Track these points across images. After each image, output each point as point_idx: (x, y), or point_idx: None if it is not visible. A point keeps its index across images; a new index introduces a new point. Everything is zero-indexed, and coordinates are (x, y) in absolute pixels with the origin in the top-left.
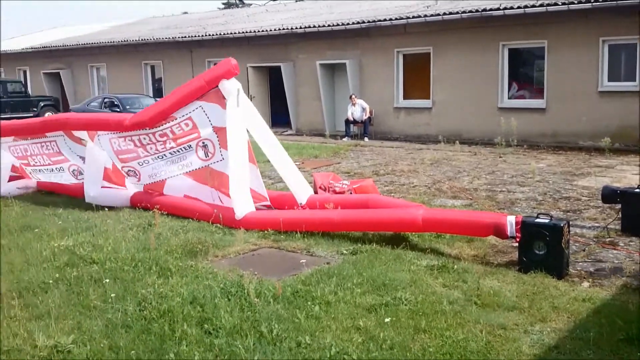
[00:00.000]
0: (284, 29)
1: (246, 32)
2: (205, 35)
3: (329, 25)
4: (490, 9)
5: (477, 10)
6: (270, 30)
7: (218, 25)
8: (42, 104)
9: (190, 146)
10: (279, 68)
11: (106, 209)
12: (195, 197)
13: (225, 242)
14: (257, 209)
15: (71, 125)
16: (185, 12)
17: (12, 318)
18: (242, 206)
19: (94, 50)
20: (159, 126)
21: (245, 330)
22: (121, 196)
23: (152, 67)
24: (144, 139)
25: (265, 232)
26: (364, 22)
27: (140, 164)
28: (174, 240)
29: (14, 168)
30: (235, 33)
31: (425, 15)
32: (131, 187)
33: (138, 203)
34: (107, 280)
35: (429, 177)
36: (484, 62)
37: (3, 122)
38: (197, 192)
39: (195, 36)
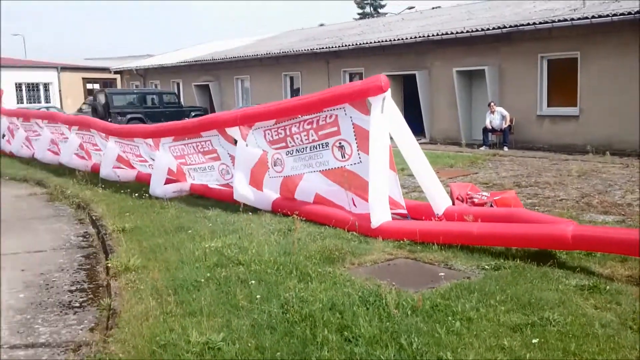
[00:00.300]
0: (420, 36)
1: (382, 41)
2: (342, 46)
3: (467, 31)
4: None
5: (629, 13)
6: (406, 39)
7: (354, 36)
8: (193, 114)
9: (327, 144)
10: (413, 76)
11: (250, 212)
12: (327, 197)
13: (361, 250)
14: (392, 217)
15: (224, 121)
16: (322, 24)
17: (168, 314)
18: (379, 215)
19: (239, 64)
20: (308, 115)
21: (385, 340)
22: (264, 200)
23: (291, 78)
24: (295, 126)
25: (401, 242)
26: (505, 27)
27: (287, 153)
28: (312, 246)
29: (170, 172)
30: (370, 43)
31: (572, 19)
32: (271, 194)
33: (279, 209)
34: (253, 282)
35: (576, 190)
36: (637, 67)
37: (165, 123)
38: (330, 193)
39: (332, 47)
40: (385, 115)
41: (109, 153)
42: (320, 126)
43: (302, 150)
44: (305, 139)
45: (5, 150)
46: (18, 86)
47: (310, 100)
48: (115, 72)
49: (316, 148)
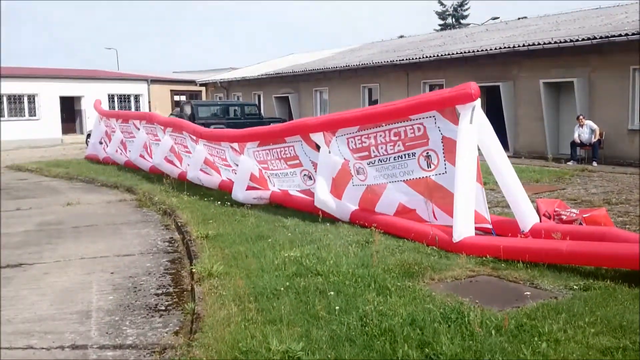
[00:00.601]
0: (505, 47)
1: (464, 52)
2: (422, 57)
3: (555, 42)
4: None
5: None
6: (490, 50)
7: (435, 47)
8: (272, 125)
9: (414, 154)
10: (497, 88)
11: (327, 223)
12: (411, 207)
13: (442, 266)
14: (476, 232)
15: (309, 126)
16: (402, 36)
17: (249, 320)
18: (462, 229)
19: (318, 76)
20: (395, 123)
21: None
22: (344, 209)
23: (370, 90)
24: (380, 135)
25: (484, 258)
26: (595, 38)
27: (369, 163)
28: (390, 259)
29: (252, 177)
30: (452, 54)
31: None
32: (349, 205)
33: (357, 220)
34: (331, 293)
35: None
36: None
37: (251, 128)
38: (414, 202)
39: (412, 59)
40: (474, 126)
41: (197, 156)
42: (408, 137)
43: (385, 160)
44: (391, 149)
45: (100, 156)
46: (111, 97)
47: (397, 106)
48: (201, 85)
49: (401, 158)
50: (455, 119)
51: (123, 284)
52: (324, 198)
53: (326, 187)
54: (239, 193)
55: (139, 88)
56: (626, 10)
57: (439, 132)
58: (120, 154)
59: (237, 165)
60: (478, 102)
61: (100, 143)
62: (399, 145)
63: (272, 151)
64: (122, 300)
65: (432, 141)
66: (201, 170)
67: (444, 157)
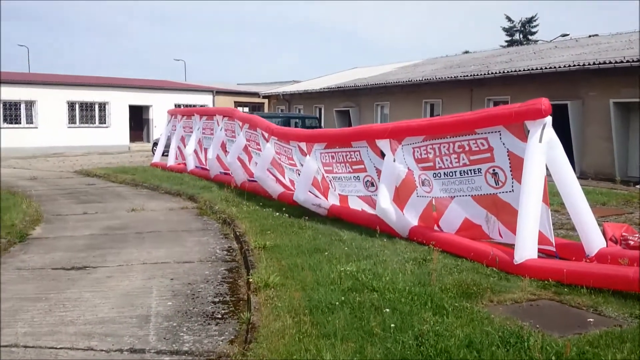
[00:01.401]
0: (574, 65)
1: (531, 69)
2: (488, 74)
3: (627, 61)
4: None
5: None
6: (558, 67)
7: (501, 63)
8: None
9: (480, 170)
10: (564, 106)
11: (384, 239)
12: (476, 222)
13: (501, 288)
14: (538, 254)
15: (376, 133)
16: (467, 52)
17: (303, 333)
18: (524, 251)
19: (380, 90)
20: (459, 136)
21: None
22: (404, 223)
23: (432, 105)
24: (444, 147)
25: (546, 282)
26: None
27: (434, 175)
28: (448, 278)
29: (315, 182)
30: (519, 70)
31: None
32: (409, 220)
33: (415, 236)
34: (387, 310)
35: None
36: None
37: (318, 129)
38: (479, 218)
39: (477, 75)
40: (544, 145)
41: (265, 153)
42: (472, 151)
43: (451, 174)
44: (456, 162)
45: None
46: (177, 106)
47: (463, 118)
48: (264, 97)
49: (467, 173)
50: (522, 135)
51: (182, 290)
52: (386, 207)
53: (388, 195)
54: (301, 194)
55: (205, 99)
56: None
57: (504, 147)
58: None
59: (302, 165)
60: (549, 120)
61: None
62: (463, 159)
63: (338, 154)
64: (181, 307)
65: (497, 157)
66: (268, 170)
67: (512, 174)
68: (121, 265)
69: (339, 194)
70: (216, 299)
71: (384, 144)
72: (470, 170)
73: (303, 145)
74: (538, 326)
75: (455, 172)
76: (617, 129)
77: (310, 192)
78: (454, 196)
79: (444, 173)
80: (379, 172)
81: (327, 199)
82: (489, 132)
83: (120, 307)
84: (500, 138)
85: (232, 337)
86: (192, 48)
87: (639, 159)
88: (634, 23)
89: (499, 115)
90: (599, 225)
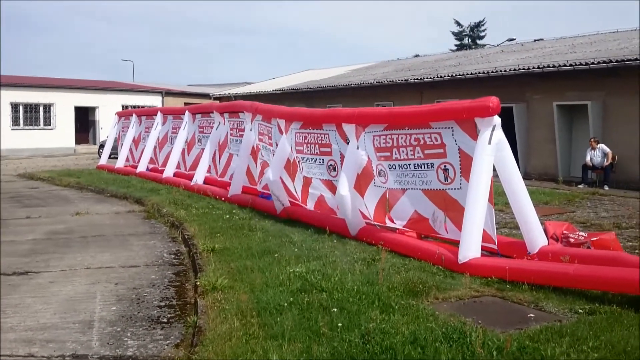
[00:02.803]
0: (520, 68)
1: (479, 73)
2: (437, 77)
3: (570, 65)
4: None
5: None
6: (505, 71)
7: (451, 67)
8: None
9: (432, 165)
10: (510, 109)
11: (334, 240)
12: (425, 215)
13: (446, 285)
14: (482, 252)
15: (342, 117)
16: (417, 55)
17: (250, 335)
18: (469, 250)
19: (332, 92)
20: (416, 129)
21: None
22: (356, 221)
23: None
24: (402, 138)
25: (489, 279)
26: (611, 62)
27: (390, 166)
28: (395, 277)
29: (287, 164)
30: (467, 74)
31: None
32: (367, 210)
33: (364, 237)
34: (335, 310)
35: None
36: None
37: (297, 107)
38: (428, 212)
39: (427, 78)
40: (493, 146)
41: (247, 137)
42: (427, 145)
43: (405, 166)
44: (411, 155)
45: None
46: (125, 107)
47: (420, 109)
48: (215, 98)
49: (420, 167)
50: (474, 133)
51: (127, 295)
52: (344, 194)
53: (348, 183)
54: (271, 176)
55: (154, 100)
56: None
57: (456, 144)
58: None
59: (277, 145)
60: (499, 122)
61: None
62: (418, 152)
63: (310, 135)
64: (125, 311)
65: (449, 154)
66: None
67: (461, 172)
68: (64, 270)
69: (304, 176)
70: (162, 303)
71: (349, 129)
72: (423, 164)
73: (282, 122)
74: (480, 322)
75: (409, 164)
76: (561, 131)
77: (281, 177)
78: (406, 189)
79: (399, 165)
80: (342, 157)
81: (294, 178)
82: (442, 128)
83: (63, 313)
84: (453, 134)
85: (178, 341)
86: (140, 48)
87: (583, 160)
88: (577, 27)
89: (451, 110)
90: (541, 223)
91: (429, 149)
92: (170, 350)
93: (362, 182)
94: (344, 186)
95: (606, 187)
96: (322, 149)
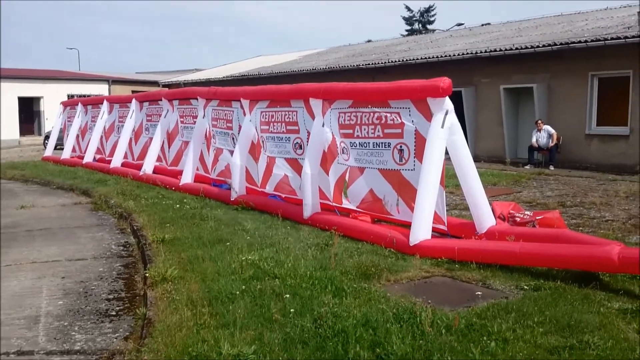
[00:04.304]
0: (467, 53)
1: (429, 57)
2: (388, 62)
3: (516, 49)
4: None
5: None
6: (453, 55)
7: (401, 52)
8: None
9: (389, 144)
10: (459, 93)
11: (288, 227)
12: (379, 195)
13: (398, 267)
14: (432, 233)
15: (310, 92)
16: (369, 40)
17: (201, 325)
18: (420, 232)
19: (285, 79)
20: (378, 107)
21: (417, 359)
22: (311, 205)
23: None
24: (365, 116)
25: (439, 260)
26: (555, 45)
27: (352, 144)
28: (348, 261)
29: (251, 146)
30: (417, 59)
31: (626, 37)
32: (317, 203)
33: (317, 223)
34: (287, 296)
35: (623, 211)
36: None
37: (264, 86)
38: (382, 192)
39: (378, 63)
40: (445, 130)
41: (200, 124)
42: (387, 124)
43: (365, 145)
44: (372, 133)
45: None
46: (70, 97)
47: (379, 86)
48: (164, 86)
49: (379, 146)
50: (429, 115)
51: (74, 288)
52: (308, 171)
53: (313, 161)
54: (238, 160)
55: (100, 88)
56: (586, 18)
57: (413, 125)
58: None
59: (240, 127)
60: (451, 107)
61: None
62: (378, 131)
63: (278, 113)
64: (72, 306)
65: (406, 134)
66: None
67: (415, 153)
68: (9, 265)
69: (268, 156)
70: (111, 296)
71: (316, 104)
72: (381, 143)
73: (247, 103)
74: (430, 302)
75: (369, 142)
76: (508, 113)
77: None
78: (365, 167)
79: (360, 143)
80: (309, 135)
81: (258, 156)
82: (401, 108)
83: (8, 309)
84: (410, 115)
85: (127, 333)
86: (86, 36)
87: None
88: (522, 11)
89: (407, 88)
90: (490, 204)
91: (388, 128)
92: (119, 343)
93: (328, 160)
94: (308, 164)
95: (551, 167)
96: (288, 127)
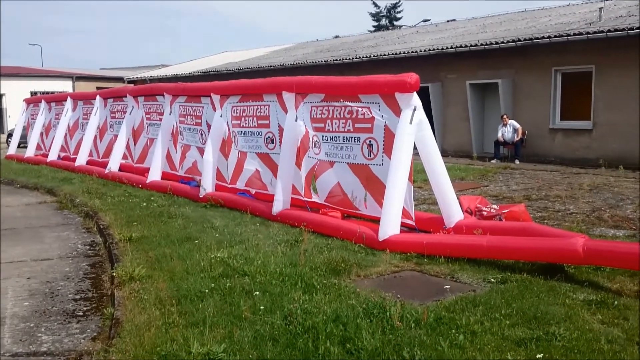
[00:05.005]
0: (434, 49)
1: (395, 53)
2: (356, 58)
3: (481, 44)
4: None
5: None
6: (420, 51)
7: (369, 48)
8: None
9: (359, 139)
10: (426, 88)
11: (257, 224)
12: (345, 190)
13: (368, 262)
14: (400, 228)
15: (283, 85)
16: (337, 36)
17: (170, 324)
18: (389, 228)
19: (252, 75)
20: (350, 102)
21: (387, 353)
22: (280, 201)
23: None
24: (337, 110)
25: (408, 254)
26: (520, 40)
27: (323, 138)
28: (318, 257)
29: (222, 143)
30: (385, 55)
31: (588, 33)
32: (288, 199)
33: (287, 219)
34: (257, 293)
35: (587, 204)
36: None
37: (236, 80)
38: (349, 187)
39: (346, 59)
40: (414, 126)
41: (167, 121)
42: (357, 119)
43: (336, 139)
44: (342, 127)
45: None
46: (34, 94)
47: (350, 80)
48: (129, 82)
49: (349, 140)
50: (397, 110)
51: (40, 289)
52: (282, 166)
53: (287, 156)
54: (210, 156)
55: (64, 85)
56: (549, 14)
57: (382, 120)
58: None
59: (209, 125)
60: (419, 104)
61: None
62: (349, 125)
63: (250, 108)
64: (38, 307)
65: (375, 129)
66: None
67: (383, 148)
68: None
69: (239, 151)
70: (77, 296)
71: (289, 98)
72: (351, 137)
73: (217, 99)
74: (400, 296)
75: (339, 137)
76: (474, 108)
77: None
78: (334, 161)
79: (331, 137)
80: (281, 130)
81: (228, 153)
82: (371, 102)
83: None
84: (379, 109)
85: (95, 334)
86: (49, 32)
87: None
88: (487, 7)
89: (376, 82)
90: (457, 198)
91: (359, 122)
92: (86, 344)
93: (300, 155)
94: (281, 159)
95: (517, 161)
96: (260, 122)
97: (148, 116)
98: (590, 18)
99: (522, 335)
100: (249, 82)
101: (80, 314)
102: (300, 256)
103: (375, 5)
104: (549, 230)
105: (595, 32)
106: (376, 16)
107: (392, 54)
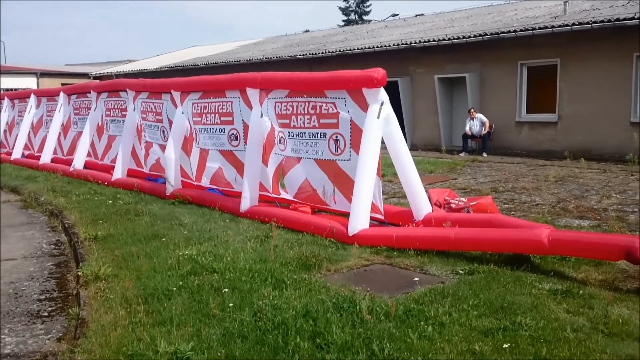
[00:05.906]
0: (402, 43)
1: (365, 48)
2: (325, 52)
3: (449, 39)
4: (624, 19)
5: (609, 20)
6: (389, 46)
7: (338, 42)
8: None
9: (325, 135)
10: (395, 83)
11: (227, 220)
12: (314, 185)
13: (338, 257)
14: (370, 222)
15: (246, 81)
16: (307, 31)
17: (137, 323)
18: (358, 222)
19: (221, 69)
20: (314, 97)
21: (357, 347)
22: (249, 198)
23: None
24: (301, 106)
25: (378, 248)
26: (486, 35)
27: (289, 134)
28: (288, 253)
29: (184, 140)
30: (354, 49)
31: (553, 27)
32: (255, 196)
33: (257, 215)
34: (226, 290)
35: (553, 195)
36: (615, 75)
37: (196, 76)
38: (317, 183)
39: (316, 53)
40: (381, 121)
41: (131, 117)
42: (322, 114)
43: (301, 135)
44: (307, 123)
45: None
46: None
47: (315, 76)
48: (95, 78)
49: (314, 136)
50: (364, 105)
51: (3, 290)
52: (248, 165)
53: (253, 153)
54: (166, 153)
55: (28, 81)
56: (515, 8)
57: (348, 115)
58: None
59: (171, 121)
60: (387, 98)
61: None
62: (314, 121)
63: (211, 104)
64: (2, 307)
65: (341, 125)
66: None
67: (350, 143)
68: None
69: (201, 149)
70: (42, 297)
71: (253, 94)
72: (317, 133)
73: (177, 95)
74: (369, 289)
75: (305, 133)
76: (442, 102)
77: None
78: (301, 157)
79: (296, 133)
80: (245, 126)
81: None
82: (336, 98)
83: None
84: (345, 105)
85: (60, 334)
86: (12, 28)
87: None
88: (454, 2)
89: (342, 78)
90: (426, 192)
91: (324, 118)
92: (51, 345)
93: (267, 151)
94: (247, 156)
95: (485, 154)
96: (223, 118)
97: (112, 112)
98: (556, 12)
99: (489, 326)
100: (211, 78)
101: (45, 314)
102: (270, 252)
103: None
104: (515, 221)
105: (560, 26)
106: (345, 11)
107: (361, 48)
